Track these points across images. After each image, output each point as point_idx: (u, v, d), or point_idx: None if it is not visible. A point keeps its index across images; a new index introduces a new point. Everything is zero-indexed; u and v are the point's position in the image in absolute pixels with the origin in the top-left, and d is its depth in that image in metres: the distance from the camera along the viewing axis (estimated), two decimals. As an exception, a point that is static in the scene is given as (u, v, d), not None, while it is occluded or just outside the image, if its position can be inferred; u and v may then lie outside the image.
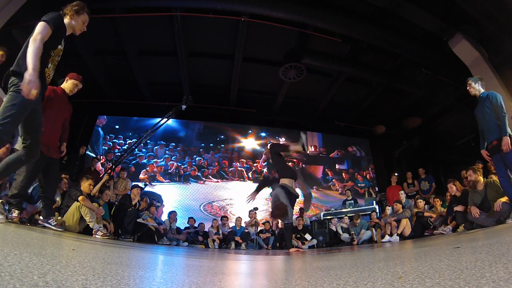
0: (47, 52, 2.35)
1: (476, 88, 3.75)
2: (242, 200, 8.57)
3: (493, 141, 3.45)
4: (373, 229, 6.13)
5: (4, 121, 2.03)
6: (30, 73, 2.03)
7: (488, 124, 3.54)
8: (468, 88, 3.83)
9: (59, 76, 3.30)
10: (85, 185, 4.14)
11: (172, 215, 6.85)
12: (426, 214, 5.48)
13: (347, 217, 6.75)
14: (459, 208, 4.53)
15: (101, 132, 8.90)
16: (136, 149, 8.59)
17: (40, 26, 2.24)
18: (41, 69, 2.22)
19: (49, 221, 3.05)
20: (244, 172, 9.32)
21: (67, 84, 3.41)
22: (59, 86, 3.42)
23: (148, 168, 8.68)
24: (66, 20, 2.54)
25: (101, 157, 8.45)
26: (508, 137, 3.30)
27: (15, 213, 2.82)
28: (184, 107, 6.31)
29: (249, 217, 7.29)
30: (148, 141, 8.96)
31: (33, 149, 2.39)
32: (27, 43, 2.26)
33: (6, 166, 2.40)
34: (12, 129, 2.13)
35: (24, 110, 2.18)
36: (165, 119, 6.25)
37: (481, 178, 4.19)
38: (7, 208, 2.98)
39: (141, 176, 8.54)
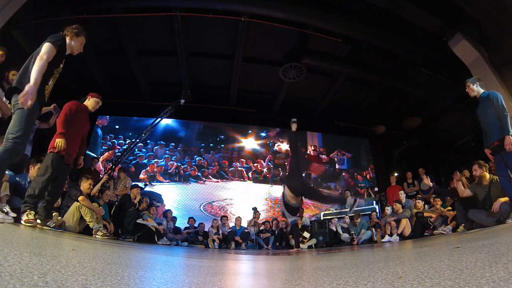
0: (51, 70, 2.61)
1: (475, 89, 3.73)
2: (242, 200, 8.64)
3: (495, 141, 3.43)
4: (373, 229, 6.13)
5: (18, 134, 2.39)
6: (30, 85, 2.31)
7: (490, 124, 3.51)
8: (467, 90, 3.80)
9: (79, 96, 3.80)
10: (85, 185, 4.14)
11: (168, 213, 6.85)
12: (426, 214, 5.48)
13: (347, 216, 6.75)
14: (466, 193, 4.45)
15: (100, 132, 8.89)
16: (136, 149, 8.61)
17: (46, 46, 2.50)
18: (42, 86, 2.50)
19: (47, 223, 3.05)
20: (244, 172, 9.32)
21: (90, 102, 3.74)
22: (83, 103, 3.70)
23: (148, 168, 8.68)
24: (66, 41, 2.79)
25: (100, 157, 8.44)
26: (511, 136, 3.28)
27: (31, 215, 2.78)
28: (183, 101, 6.36)
29: (253, 216, 7.28)
30: (148, 141, 8.97)
31: (22, 141, 2.47)
32: (30, 60, 2.51)
33: None
34: (25, 140, 2.50)
35: (31, 123, 2.57)
36: (164, 115, 6.30)
37: (486, 174, 4.15)
38: (6, 208, 2.98)
39: (141, 176, 8.54)
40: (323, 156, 10.14)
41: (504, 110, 3.42)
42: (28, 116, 2.44)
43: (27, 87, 2.29)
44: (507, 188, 3.45)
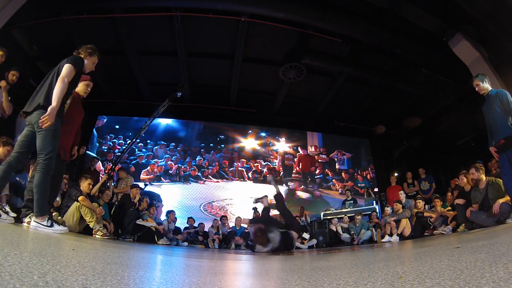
0: (70, 90, 2.76)
1: (485, 86, 3.68)
2: (242, 200, 8.63)
3: (500, 140, 3.40)
4: (373, 229, 6.13)
5: (49, 154, 2.58)
6: (53, 107, 2.51)
7: (497, 123, 3.47)
8: (476, 88, 3.74)
9: None
10: (85, 184, 4.13)
11: (171, 215, 6.84)
12: (426, 214, 5.48)
13: (347, 216, 6.76)
14: (459, 201, 4.52)
15: (95, 132, 8.88)
16: (136, 149, 8.60)
17: (67, 68, 2.66)
18: (62, 105, 2.67)
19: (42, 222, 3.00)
20: (244, 172, 9.32)
21: (80, 87, 3.45)
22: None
23: (148, 168, 8.68)
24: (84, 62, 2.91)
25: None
26: None
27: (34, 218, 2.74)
28: (179, 94, 6.41)
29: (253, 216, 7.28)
30: (148, 141, 8.97)
31: (54, 159, 2.66)
32: (52, 79, 2.67)
33: (42, 188, 2.57)
34: (54, 158, 2.66)
35: (57, 141, 2.72)
36: (162, 108, 6.37)
37: (483, 177, 4.17)
38: (6, 208, 2.97)
39: (144, 176, 8.52)
40: (323, 156, 10.15)
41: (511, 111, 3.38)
42: (55, 135, 2.63)
43: (49, 110, 2.50)
44: (509, 187, 3.42)
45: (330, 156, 10.18)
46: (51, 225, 2.59)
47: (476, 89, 3.75)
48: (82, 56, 2.90)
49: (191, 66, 7.58)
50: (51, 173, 2.63)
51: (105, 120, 9.09)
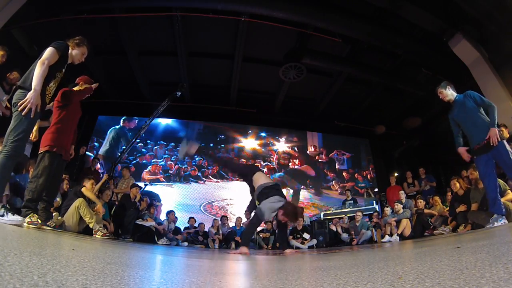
0: (53, 73, 2.67)
1: (449, 93, 3.63)
2: (242, 200, 8.63)
3: (484, 140, 3.21)
4: (373, 229, 6.14)
5: (17, 137, 2.36)
6: (31, 93, 2.38)
7: (476, 123, 3.32)
8: (440, 96, 3.68)
9: (69, 81, 3.49)
10: (88, 185, 4.17)
11: (171, 215, 6.84)
12: (426, 211, 5.49)
13: (347, 217, 6.77)
14: (461, 208, 4.53)
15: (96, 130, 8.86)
16: (137, 147, 8.61)
17: (49, 51, 2.56)
18: (43, 88, 2.52)
19: (47, 223, 2.98)
20: (244, 172, 9.31)
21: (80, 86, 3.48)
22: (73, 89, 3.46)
23: (150, 169, 8.68)
24: (69, 48, 2.88)
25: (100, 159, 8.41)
26: (496, 129, 3.09)
27: (34, 218, 2.71)
28: (179, 94, 6.45)
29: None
30: (148, 141, 8.98)
31: (23, 144, 2.46)
32: (34, 65, 2.52)
33: (1, 172, 2.34)
34: (24, 143, 2.47)
35: (32, 126, 2.56)
36: (162, 108, 6.40)
37: None
38: (6, 208, 2.97)
39: (148, 177, 8.52)
40: (322, 156, 10.14)
41: (490, 103, 3.26)
42: (30, 118, 2.41)
43: (28, 95, 2.35)
44: (493, 188, 3.18)
45: (330, 156, 10.18)
46: (2, 215, 2.42)
47: (440, 97, 3.70)
48: (70, 47, 2.88)
49: (191, 66, 7.58)
50: (16, 159, 2.43)
51: (135, 120, 9.14)
